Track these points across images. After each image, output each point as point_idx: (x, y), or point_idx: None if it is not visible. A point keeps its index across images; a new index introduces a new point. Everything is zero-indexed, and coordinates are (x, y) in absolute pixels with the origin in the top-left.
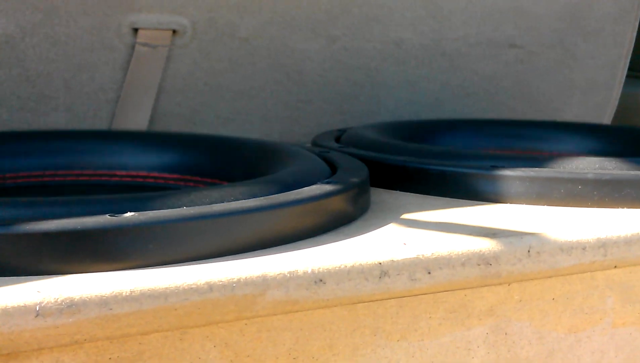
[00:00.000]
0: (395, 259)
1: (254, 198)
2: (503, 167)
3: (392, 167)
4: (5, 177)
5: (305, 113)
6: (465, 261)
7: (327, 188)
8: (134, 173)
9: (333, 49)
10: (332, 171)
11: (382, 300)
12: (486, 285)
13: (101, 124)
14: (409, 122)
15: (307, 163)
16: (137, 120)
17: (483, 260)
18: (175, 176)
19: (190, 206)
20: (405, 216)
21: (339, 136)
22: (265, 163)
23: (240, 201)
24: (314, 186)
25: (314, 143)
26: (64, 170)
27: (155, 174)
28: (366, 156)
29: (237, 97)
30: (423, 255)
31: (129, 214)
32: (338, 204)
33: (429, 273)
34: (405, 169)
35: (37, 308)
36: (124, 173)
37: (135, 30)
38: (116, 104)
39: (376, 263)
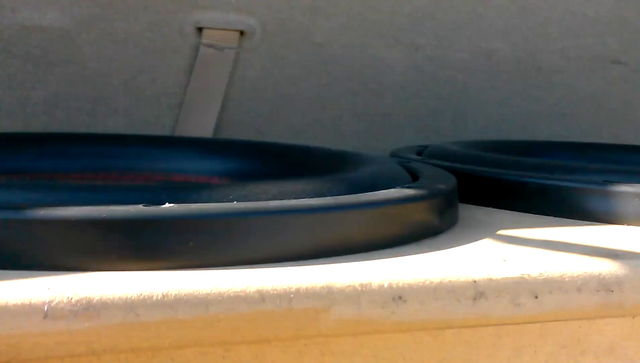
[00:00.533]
0: (493, 277)
1: (320, 197)
2: (618, 182)
3: (484, 180)
4: (55, 177)
5: (382, 127)
6: (581, 285)
7: (409, 192)
8: (193, 177)
9: (416, 58)
10: (414, 179)
11: (477, 326)
12: (606, 317)
13: (163, 131)
14: (500, 141)
15: (384, 166)
16: (201, 128)
17: (604, 285)
18: (213, 178)
19: (242, 201)
20: (502, 232)
21: (421, 151)
22: (336, 169)
23: (302, 199)
24: (392, 190)
25: (392, 155)
26: (117, 173)
27: (216, 180)
28: (453, 167)
29: (309, 107)
30: (529, 275)
31: (167, 205)
32: (421, 211)
33: (536, 297)
34: (500, 183)
35: (46, 308)
36: (181, 176)
37: (200, 29)
38: (179, 110)
39: (470, 281)
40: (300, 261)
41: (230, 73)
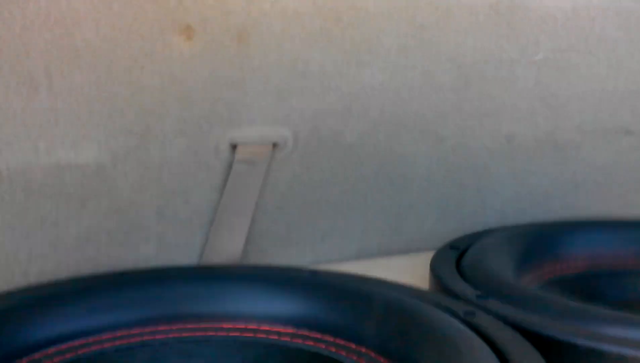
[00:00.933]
0: None
1: None
2: None
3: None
4: (102, 340)
5: (406, 221)
6: None
7: None
8: (242, 324)
9: (440, 149)
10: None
11: None
12: None
13: (192, 252)
14: (531, 227)
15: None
16: (231, 244)
17: None
18: (289, 329)
19: None
20: None
21: (458, 257)
22: (408, 330)
23: None
24: None
25: (432, 270)
26: (164, 324)
27: (266, 327)
28: (517, 323)
29: (336, 211)
30: None
31: None
32: None
33: None
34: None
35: None
36: (230, 325)
37: (234, 146)
38: (209, 228)
39: None
40: None
41: (261, 186)
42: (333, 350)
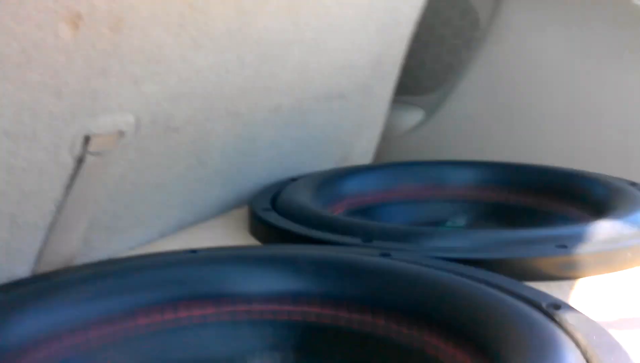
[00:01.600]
0: None
1: None
2: None
3: None
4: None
5: (206, 195)
6: None
7: None
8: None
9: (236, 124)
10: None
11: None
12: None
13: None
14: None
15: None
16: (70, 241)
17: None
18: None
19: None
20: None
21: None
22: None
23: None
24: None
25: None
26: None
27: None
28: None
29: (160, 193)
30: None
31: None
32: None
33: None
34: None
35: None
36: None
37: (87, 138)
38: (50, 229)
39: None
40: None
41: (102, 177)
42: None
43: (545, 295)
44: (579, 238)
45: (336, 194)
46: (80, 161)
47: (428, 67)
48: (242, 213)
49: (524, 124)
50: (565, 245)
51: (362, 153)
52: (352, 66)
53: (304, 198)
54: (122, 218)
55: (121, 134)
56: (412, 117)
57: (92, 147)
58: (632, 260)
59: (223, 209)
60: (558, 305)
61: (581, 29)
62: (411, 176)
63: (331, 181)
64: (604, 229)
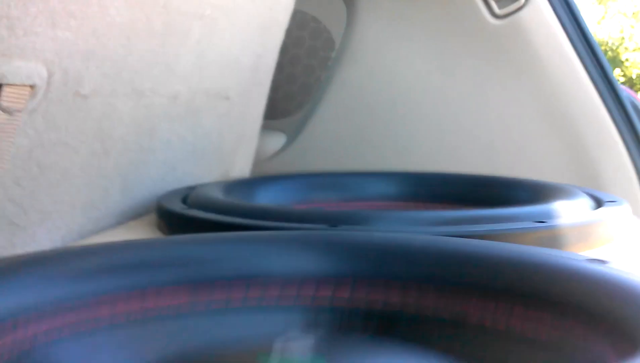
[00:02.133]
0: None
1: None
2: None
3: None
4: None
5: (107, 199)
6: None
7: None
8: None
9: (139, 105)
10: None
11: None
12: None
13: None
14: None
15: None
16: None
17: None
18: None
19: None
20: None
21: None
22: None
23: None
24: None
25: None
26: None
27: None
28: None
29: (61, 181)
30: None
31: None
32: None
33: None
34: None
35: None
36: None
37: None
38: None
39: None
40: None
41: (9, 148)
42: None
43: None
44: (554, 214)
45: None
46: None
47: (285, 90)
48: (150, 219)
49: (388, 140)
50: (543, 220)
51: (240, 171)
52: (236, 62)
53: (226, 197)
54: (28, 212)
55: (33, 89)
56: (274, 141)
57: (3, 99)
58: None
59: (120, 221)
60: (603, 261)
61: (436, 43)
62: (323, 186)
63: (240, 187)
64: (571, 207)
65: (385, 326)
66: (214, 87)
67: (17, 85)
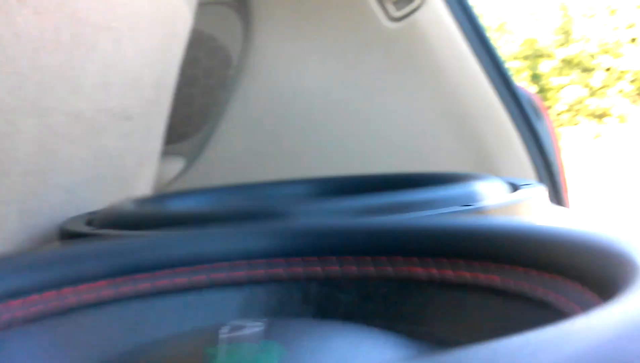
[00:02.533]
0: None
1: None
2: None
3: None
4: None
5: (4, 225)
6: None
7: None
8: None
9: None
10: None
11: None
12: None
13: None
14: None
15: None
16: None
17: None
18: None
19: None
20: None
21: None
22: None
23: None
24: None
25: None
26: None
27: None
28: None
29: None
30: None
31: None
32: None
33: None
34: None
35: None
36: None
37: None
38: None
39: None
40: None
41: None
42: None
43: None
44: (477, 197)
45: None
46: None
47: (182, 112)
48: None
49: (292, 155)
50: (468, 204)
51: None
52: (139, 80)
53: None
54: None
55: None
56: (172, 167)
57: None
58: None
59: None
60: None
61: (335, 51)
62: (231, 195)
63: (146, 203)
64: (489, 189)
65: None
66: (117, 106)
67: None
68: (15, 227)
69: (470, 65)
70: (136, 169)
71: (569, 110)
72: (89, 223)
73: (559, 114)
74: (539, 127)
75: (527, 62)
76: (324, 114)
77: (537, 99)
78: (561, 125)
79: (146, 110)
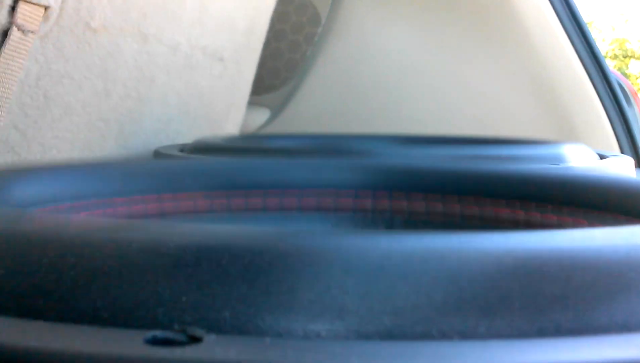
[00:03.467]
0: None
1: None
2: None
3: None
4: None
5: (103, 144)
6: None
7: None
8: None
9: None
10: None
11: None
12: None
13: None
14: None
15: None
16: None
17: None
18: None
19: None
20: None
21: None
22: None
23: None
24: None
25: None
26: None
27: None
28: None
29: (62, 116)
30: None
31: None
32: None
33: None
34: None
35: None
36: None
37: (15, 5)
38: None
39: None
40: None
41: (19, 70)
42: None
43: None
44: (566, 159)
45: None
46: (4, 34)
47: (269, 65)
48: None
49: (374, 115)
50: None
51: None
52: (231, 23)
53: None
54: (30, 142)
55: (47, 12)
56: (257, 117)
57: (19, 16)
58: None
59: None
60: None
61: (422, 16)
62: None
63: (239, 140)
64: (579, 153)
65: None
66: (210, 45)
67: (32, 3)
68: (112, 146)
69: (560, 39)
70: (225, 112)
71: None
72: (181, 150)
73: None
74: (628, 110)
75: (616, 62)
76: (408, 76)
77: (627, 83)
78: None
79: (237, 55)
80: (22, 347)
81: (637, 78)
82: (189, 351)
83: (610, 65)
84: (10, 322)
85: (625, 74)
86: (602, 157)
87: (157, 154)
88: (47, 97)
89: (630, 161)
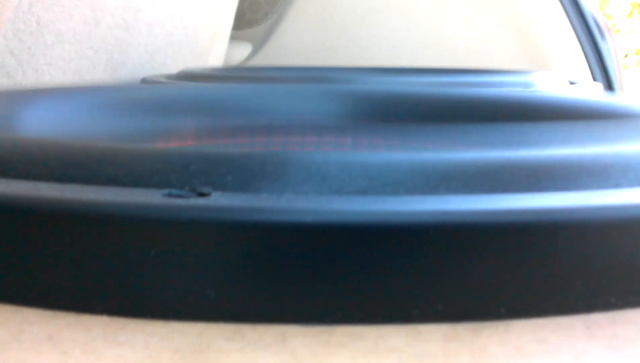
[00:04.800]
0: None
1: None
2: None
3: None
4: None
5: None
6: None
7: None
8: None
9: None
10: None
11: None
12: None
13: None
14: None
15: None
16: None
17: None
18: None
19: None
20: None
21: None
22: None
23: None
24: None
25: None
26: None
27: None
28: None
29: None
30: None
31: None
32: None
33: None
34: None
35: None
36: None
37: None
38: None
39: None
40: None
41: None
42: None
43: None
44: (536, 84)
45: None
46: None
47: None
48: None
49: (354, 50)
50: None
51: None
52: None
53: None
54: (24, 68)
55: None
56: (240, 51)
57: None
58: None
59: None
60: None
61: None
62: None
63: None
64: (548, 78)
65: None
66: None
67: None
68: (101, 75)
69: None
70: (208, 44)
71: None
72: (168, 78)
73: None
74: (601, 43)
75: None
76: (389, 10)
77: (603, 19)
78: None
79: None
80: (57, 198)
81: (617, 19)
82: (200, 201)
83: (592, 2)
84: (47, 184)
85: (605, 14)
86: (572, 84)
87: (144, 81)
88: (40, 24)
89: (598, 86)
